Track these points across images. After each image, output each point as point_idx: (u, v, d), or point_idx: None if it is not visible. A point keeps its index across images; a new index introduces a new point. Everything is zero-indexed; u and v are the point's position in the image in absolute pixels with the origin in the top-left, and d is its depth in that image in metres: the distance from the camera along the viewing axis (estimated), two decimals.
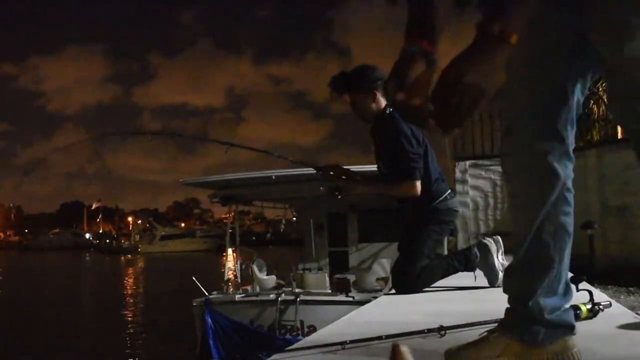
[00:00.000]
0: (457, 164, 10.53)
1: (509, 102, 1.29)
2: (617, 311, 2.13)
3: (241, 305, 6.73)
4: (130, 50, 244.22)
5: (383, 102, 3.23)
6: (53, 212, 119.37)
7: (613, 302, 2.20)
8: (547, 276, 1.27)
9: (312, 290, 6.94)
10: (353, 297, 6.32)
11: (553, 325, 1.28)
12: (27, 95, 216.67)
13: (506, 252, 3.25)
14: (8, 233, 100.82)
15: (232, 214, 9.51)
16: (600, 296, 2.24)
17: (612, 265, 8.70)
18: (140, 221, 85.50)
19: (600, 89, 10.58)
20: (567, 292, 1.31)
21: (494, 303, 2.65)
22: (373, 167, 3.53)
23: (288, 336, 6.28)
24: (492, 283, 3.15)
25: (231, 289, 7.84)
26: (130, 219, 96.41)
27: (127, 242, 64.85)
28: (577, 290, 1.92)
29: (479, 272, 3.23)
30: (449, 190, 3.32)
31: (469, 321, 1.84)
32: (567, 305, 1.32)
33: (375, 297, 4.23)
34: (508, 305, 1.37)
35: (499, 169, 9.81)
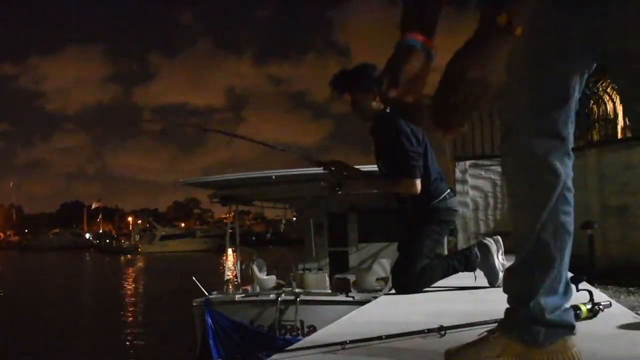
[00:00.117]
0: (457, 164, 10.53)
1: (508, 102, 1.28)
2: (617, 311, 2.13)
3: (241, 305, 6.73)
4: (130, 50, 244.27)
5: None
6: (53, 212, 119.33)
7: (613, 302, 2.20)
8: (548, 276, 1.27)
9: (312, 290, 6.94)
10: (353, 297, 6.32)
11: (553, 325, 1.27)
12: (27, 95, 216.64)
13: (506, 252, 3.25)
14: (8, 233, 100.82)
15: (232, 214, 9.52)
16: (600, 296, 2.24)
17: (612, 265, 8.70)
18: (140, 221, 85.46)
19: (600, 89, 10.58)
20: (567, 292, 1.31)
21: (494, 303, 2.65)
22: (373, 167, 3.53)
23: (288, 336, 6.28)
24: (492, 283, 3.15)
25: (231, 289, 7.84)
26: (130, 219, 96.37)
27: (127, 242, 64.82)
28: (577, 290, 1.92)
29: (479, 272, 3.23)
30: (449, 190, 3.32)
31: (469, 321, 1.84)
32: (567, 305, 1.32)
33: (375, 297, 4.23)
34: (508, 306, 1.37)
35: (499, 169, 9.81)
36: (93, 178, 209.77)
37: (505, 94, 1.25)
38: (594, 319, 1.94)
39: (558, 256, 1.27)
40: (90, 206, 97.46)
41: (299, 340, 2.81)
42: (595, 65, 1.26)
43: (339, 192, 3.26)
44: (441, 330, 1.73)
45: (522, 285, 1.32)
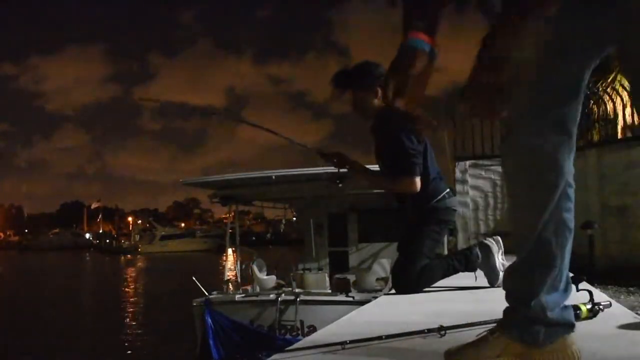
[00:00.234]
0: (457, 164, 10.53)
1: (516, 100, 1.24)
2: (617, 311, 2.13)
3: (241, 305, 6.73)
4: (130, 50, 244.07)
5: None
6: (53, 212, 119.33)
7: (613, 302, 2.20)
8: (549, 275, 1.27)
9: (312, 290, 6.95)
10: (353, 297, 6.32)
11: (553, 324, 1.27)
12: (27, 95, 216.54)
13: (506, 252, 3.25)
14: (8, 233, 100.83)
15: (232, 214, 9.52)
16: (600, 296, 2.24)
17: (612, 265, 8.70)
18: (140, 221, 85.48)
19: (600, 89, 10.58)
20: (567, 289, 1.30)
21: (494, 303, 2.65)
22: (374, 167, 3.53)
23: (288, 336, 6.28)
24: (493, 283, 3.15)
25: (231, 289, 7.84)
26: (130, 219, 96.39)
27: (127, 242, 64.82)
28: (577, 290, 1.92)
29: (479, 272, 3.23)
30: (448, 190, 3.32)
31: (469, 321, 1.84)
32: (567, 302, 1.32)
33: (375, 297, 4.23)
34: (507, 305, 1.37)
35: (499, 169, 9.81)
36: (93, 178, 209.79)
37: (514, 91, 1.23)
38: (594, 319, 1.94)
39: (559, 254, 1.27)
40: (90, 206, 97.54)
41: (299, 340, 2.81)
42: (598, 61, 1.25)
43: (340, 185, 3.26)
44: (441, 330, 1.73)
45: (522, 285, 1.31)
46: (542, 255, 1.27)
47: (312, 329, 5.88)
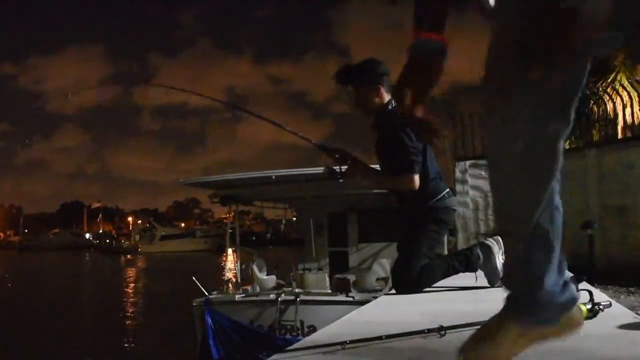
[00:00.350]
0: (457, 164, 10.53)
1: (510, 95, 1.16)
2: (617, 311, 2.13)
3: (241, 305, 6.73)
4: (130, 50, 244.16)
5: (386, 97, 3.24)
6: (53, 212, 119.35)
7: (613, 302, 2.20)
8: (550, 259, 1.27)
9: (312, 290, 6.95)
10: (353, 297, 6.32)
11: (561, 302, 1.29)
12: (27, 95, 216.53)
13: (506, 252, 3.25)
14: (8, 233, 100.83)
15: (232, 214, 9.52)
16: (600, 296, 2.25)
17: (612, 265, 8.69)
18: (140, 221, 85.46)
19: (600, 89, 10.59)
20: (563, 267, 1.32)
21: (494, 303, 2.65)
22: (375, 166, 3.54)
23: (288, 336, 6.28)
24: (493, 283, 3.15)
25: (231, 289, 7.84)
26: (130, 219, 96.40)
27: (127, 242, 64.84)
28: (577, 290, 1.92)
29: (479, 273, 3.23)
30: (447, 189, 3.32)
31: (469, 321, 1.84)
32: (567, 279, 1.33)
33: (375, 297, 4.23)
34: (509, 294, 1.35)
35: None
36: (93, 178, 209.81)
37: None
38: (594, 319, 1.94)
39: (556, 240, 1.27)
40: (90, 206, 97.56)
41: (299, 340, 2.81)
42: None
43: (340, 181, 3.26)
44: (441, 330, 1.73)
45: (525, 274, 1.31)
46: (541, 242, 1.26)
47: (312, 329, 5.88)
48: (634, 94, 10.21)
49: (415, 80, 1.08)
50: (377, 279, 7.38)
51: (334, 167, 3.21)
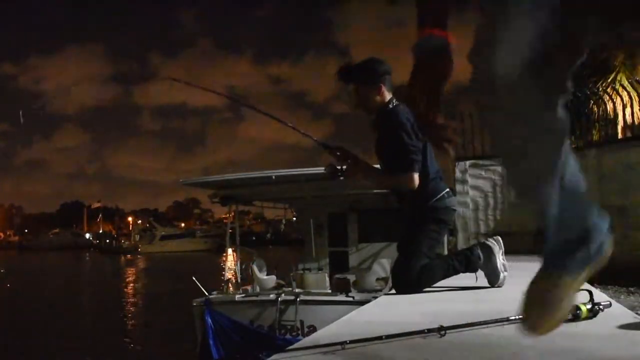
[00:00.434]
0: (457, 164, 10.52)
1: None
2: (617, 311, 2.13)
3: (241, 305, 6.73)
4: (130, 50, 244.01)
5: (387, 95, 3.25)
6: (53, 212, 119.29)
7: (613, 302, 2.20)
8: (582, 206, 1.26)
9: (312, 290, 6.94)
10: (353, 297, 6.32)
11: (599, 239, 1.29)
12: (27, 95, 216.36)
13: (506, 252, 3.26)
14: (8, 233, 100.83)
15: (232, 214, 9.52)
16: (600, 296, 2.25)
17: (612, 265, 8.65)
18: (140, 221, 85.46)
19: (600, 89, 10.59)
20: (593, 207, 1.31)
21: (494, 303, 2.66)
22: (376, 166, 3.54)
23: (288, 336, 6.28)
24: (493, 283, 3.16)
25: (231, 289, 7.84)
26: (130, 219, 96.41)
27: (127, 242, 64.83)
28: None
29: (479, 273, 3.23)
30: (447, 189, 3.32)
31: (469, 321, 1.84)
32: (603, 220, 1.33)
33: (375, 297, 4.23)
34: (548, 251, 1.33)
35: (499, 169, 9.81)
36: (93, 178, 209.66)
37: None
38: (594, 319, 1.94)
39: (580, 180, 1.27)
40: (90, 206, 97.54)
41: (299, 340, 2.81)
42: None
43: (341, 178, 3.26)
44: (441, 330, 1.73)
45: (559, 237, 1.29)
46: (570, 192, 1.25)
47: (312, 329, 5.88)
48: (634, 94, 10.22)
49: (425, 81, 1.04)
50: (377, 279, 7.38)
51: (335, 165, 3.22)
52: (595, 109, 10.48)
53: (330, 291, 7.05)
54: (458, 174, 10.46)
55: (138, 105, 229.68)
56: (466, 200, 10.27)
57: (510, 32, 0.99)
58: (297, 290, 6.94)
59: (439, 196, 3.22)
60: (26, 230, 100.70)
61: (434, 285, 3.17)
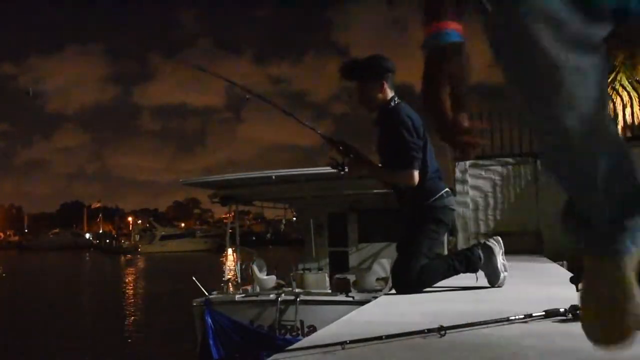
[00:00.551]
0: (457, 164, 10.52)
1: None
2: None
3: (241, 305, 6.74)
4: (130, 50, 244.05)
5: (390, 93, 3.26)
6: (53, 212, 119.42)
7: None
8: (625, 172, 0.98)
9: (312, 290, 6.95)
10: (353, 297, 6.32)
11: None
12: (27, 95, 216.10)
13: (506, 252, 3.26)
14: (8, 233, 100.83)
15: (232, 214, 9.52)
16: None
17: None
18: (140, 221, 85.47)
19: None
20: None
21: (494, 303, 2.66)
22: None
23: (288, 336, 6.28)
24: (493, 283, 3.16)
25: (231, 289, 7.85)
26: (130, 219, 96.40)
27: (127, 242, 64.84)
28: (577, 290, 1.92)
29: (480, 273, 3.23)
30: (446, 189, 3.32)
31: (469, 321, 1.84)
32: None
33: (375, 297, 4.23)
34: (592, 235, 1.03)
35: (499, 169, 9.81)
36: (93, 178, 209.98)
37: None
38: None
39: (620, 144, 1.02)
40: (90, 206, 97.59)
41: (299, 340, 2.81)
42: None
43: (342, 173, 3.27)
44: (441, 330, 1.73)
45: (606, 198, 0.99)
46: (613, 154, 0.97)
47: (312, 329, 5.88)
48: (634, 94, 10.22)
49: (441, 83, 0.93)
50: (377, 279, 7.38)
51: (337, 159, 3.23)
52: None
53: (330, 291, 7.05)
54: (458, 174, 10.45)
55: (138, 105, 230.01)
56: (466, 200, 10.26)
57: None
58: (297, 290, 6.94)
59: (437, 195, 3.22)
60: (26, 230, 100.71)
61: (434, 285, 3.17)
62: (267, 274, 8.09)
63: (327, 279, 7.48)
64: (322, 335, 1.91)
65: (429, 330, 1.73)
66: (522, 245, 7.80)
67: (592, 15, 0.85)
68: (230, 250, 9.44)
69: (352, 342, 1.62)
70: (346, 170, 3.23)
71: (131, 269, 32.42)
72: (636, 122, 9.88)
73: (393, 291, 3.21)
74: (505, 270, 3.19)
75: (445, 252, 6.63)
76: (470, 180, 10.43)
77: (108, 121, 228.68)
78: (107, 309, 14.88)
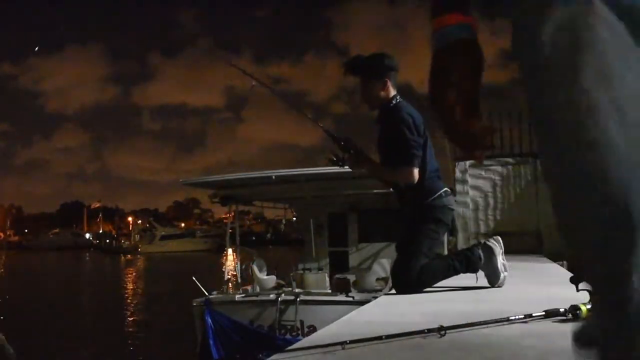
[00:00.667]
0: (457, 164, 10.53)
1: None
2: None
3: (241, 305, 6.74)
4: (130, 50, 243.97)
5: (392, 91, 3.28)
6: (53, 212, 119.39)
7: None
8: None
9: (312, 290, 6.95)
10: (353, 297, 6.32)
11: None
12: (27, 95, 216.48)
13: (506, 252, 3.26)
14: (8, 233, 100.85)
15: (232, 214, 9.52)
16: None
17: None
18: (140, 221, 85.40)
19: None
20: None
21: (494, 303, 2.66)
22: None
23: (288, 336, 6.28)
24: (493, 283, 3.16)
25: (231, 289, 7.85)
26: (130, 219, 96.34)
27: (127, 242, 64.84)
28: (577, 290, 1.92)
29: (480, 273, 3.23)
30: (445, 189, 3.33)
31: (469, 321, 1.84)
32: None
33: (375, 297, 4.23)
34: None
35: (499, 169, 9.82)
36: (93, 178, 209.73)
37: None
38: None
39: None
40: (90, 206, 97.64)
41: (299, 340, 2.81)
42: None
43: (342, 167, 3.29)
44: (441, 330, 1.73)
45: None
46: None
47: (312, 329, 5.88)
48: None
49: (452, 82, 0.83)
50: (377, 279, 7.38)
51: (338, 155, 3.24)
52: None
53: (330, 291, 7.05)
54: (458, 174, 10.46)
55: (138, 105, 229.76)
56: (466, 200, 10.26)
57: None
58: (297, 290, 6.94)
59: (436, 195, 3.23)
60: (26, 230, 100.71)
61: (434, 285, 3.18)
62: (267, 274, 8.09)
63: (327, 279, 7.48)
64: (322, 335, 1.91)
65: (429, 330, 1.73)
66: (522, 245, 7.81)
67: None
68: (230, 250, 9.44)
69: (352, 342, 1.62)
70: (345, 165, 3.25)
71: (131, 269, 32.42)
72: None
73: (393, 291, 3.21)
74: (505, 270, 3.19)
75: (445, 252, 6.63)
76: (470, 180, 10.43)
77: (108, 121, 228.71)
78: (107, 309, 14.88)
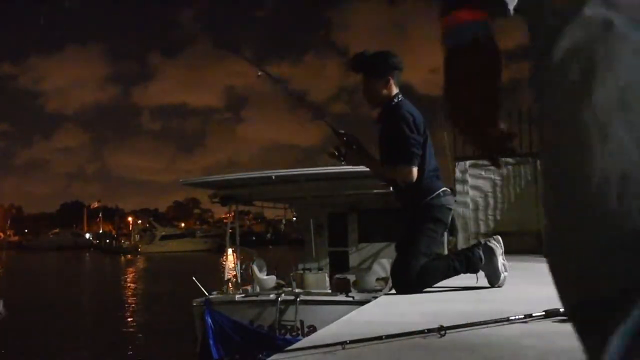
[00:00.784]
0: (457, 164, 10.52)
1: None
2: None
3: (241, 305, 6.73)
4: (130, 50, 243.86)
5: (394, 90, 3.28)
6: (53, 212, 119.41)
7: None
8: None
9: (312, 290, 6.95)
10: (353, 297, 6.32)
11: None
12: (26, 95, 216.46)
13: (506, 252, 3.26)
14: (8, 233, 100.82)
15: (232, 214, 9.52)
16: None
17: None
18: (140, 221, 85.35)
19: None
20: None
21: (495, 303, 2.66)
22: None
23: (288, 336, 6.28)
24: (493, 283, 3.16)
25: (231, 289, 7.84)
26: (130, 219, 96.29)
27: (127, 242, 64.82)
28: None
29: (480, 273, 3.23)
30: (444, 188, 3.33)
31: (469, 321, 1.84)
32: None
33: (375, 297, 4.23)
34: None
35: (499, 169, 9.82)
36: (93, 178, 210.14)
37: None
38: None
39: None
40: (90, 206, 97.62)
41: (299, 340, 2.81)
42: None
43: (342, 162, 3.29)
44: (441, 330, 1.73)
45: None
46: None
47: (312, 329, 5.88)
48: None
49: (466, 83, 0.77)
50: (377, 279, 7.37)
51: (339, 149, 3.24)
52: None
53: (330, 291, 7.05)
54: (458, 174, 10.46)
55: (138, 105, 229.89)
56: (466, 200, 10.26)
57: None
58: (297, 290, 6.94)
59: (434, 194, 3.23)
60: (26, 230, 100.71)
61: (434, 285, 3.18)
62: (267, 274, 8.09)
63: (327, 279, 7.48)
64: (322, 335, 1.91)
65: (429, 330, 1.73)
66: (522, 245, 7.80)
67: None
68: (230, 250, 9.43)
69: (352, 342, 1.62)
70: (345, 160, 3.25)
71: (131, 269, 32.41)
72: None
73: (393, 291, 3.21)
74: (506, 271, 3.19)
75: (445, 252, 6.63)
76: (470, 180, 10.43)
77: (108, 121, 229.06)
78: (107, 309, 14.86)
